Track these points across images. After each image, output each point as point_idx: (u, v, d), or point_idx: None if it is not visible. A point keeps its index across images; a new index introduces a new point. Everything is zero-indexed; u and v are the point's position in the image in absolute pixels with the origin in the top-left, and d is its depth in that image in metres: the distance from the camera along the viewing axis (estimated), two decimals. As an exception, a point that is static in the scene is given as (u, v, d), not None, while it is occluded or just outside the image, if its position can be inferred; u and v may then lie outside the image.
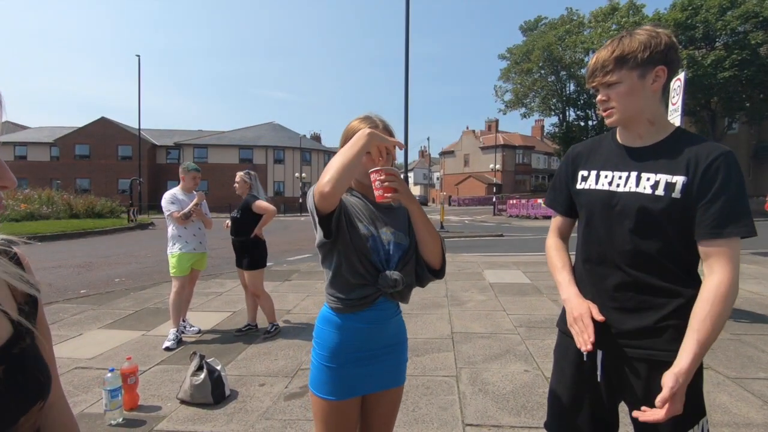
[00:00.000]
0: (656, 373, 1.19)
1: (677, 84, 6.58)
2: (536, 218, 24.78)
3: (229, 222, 4.46)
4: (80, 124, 40.24)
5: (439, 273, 1.48)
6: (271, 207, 4.31)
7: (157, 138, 42.01)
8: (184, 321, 4.39)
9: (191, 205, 4.19)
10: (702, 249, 1.17)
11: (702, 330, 1.10)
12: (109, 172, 38.61)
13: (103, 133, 39.23)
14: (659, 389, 1.17)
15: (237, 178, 4.36)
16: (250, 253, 4.29)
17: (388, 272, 1.36)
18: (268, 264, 4.60)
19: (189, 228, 4.25)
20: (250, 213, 4.26)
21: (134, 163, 33.32)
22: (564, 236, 1.51)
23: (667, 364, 1.17)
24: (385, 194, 1.30)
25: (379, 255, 1.38)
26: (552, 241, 1.51)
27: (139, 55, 27.47)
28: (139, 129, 30.22)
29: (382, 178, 1.31)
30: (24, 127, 46.10)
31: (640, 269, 1.22)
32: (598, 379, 1.30)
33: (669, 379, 1.08)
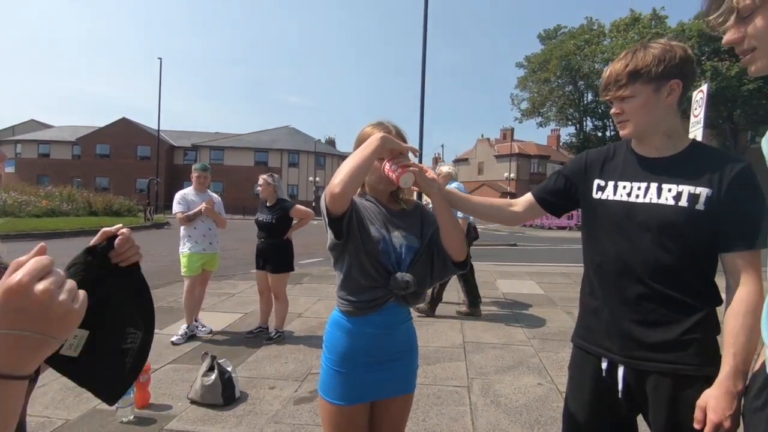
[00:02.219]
0: (682, 387, 1.16)
1: (700, 96, 6.46)
2: (550, 228, 24.51)
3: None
4: (102, 124, 41.23)
5: (462, 265, 1.46)
6: (310, 211, 4.40)
7: (175, 139, 42.74)
8: (196, 321, 4.42)
9: (195, 210, 4.23)
10: (732, 260, 1.16)
11: (737, 343, 1.09)
12: (128, 172, 39.36)
13: (123, 133, 40.09)
14: (685, 404, 1.15)
15: (260, 181, 4.34)
16: (279, 255, 4.29)
17: (399, 274, 1.35)
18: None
19: (199, 228, 4.28)
20: (287, 218, 4.30)
21: (152, 163, 33.88)
22: (517, 205, 1.53)
23: (693, 378, 1.16)
24: (402, 172, 1.31)
25: (390, 258, 1.38)
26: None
27: (160, 58, 27.96)
28: (159, 130, 30.76)
29: (393, 160, 1.33)
30: (48, 126, 47.42)
31: (662, 282, 1.19)
32: (620, 395, 1.26)
33: (701, 401, 1.10)
